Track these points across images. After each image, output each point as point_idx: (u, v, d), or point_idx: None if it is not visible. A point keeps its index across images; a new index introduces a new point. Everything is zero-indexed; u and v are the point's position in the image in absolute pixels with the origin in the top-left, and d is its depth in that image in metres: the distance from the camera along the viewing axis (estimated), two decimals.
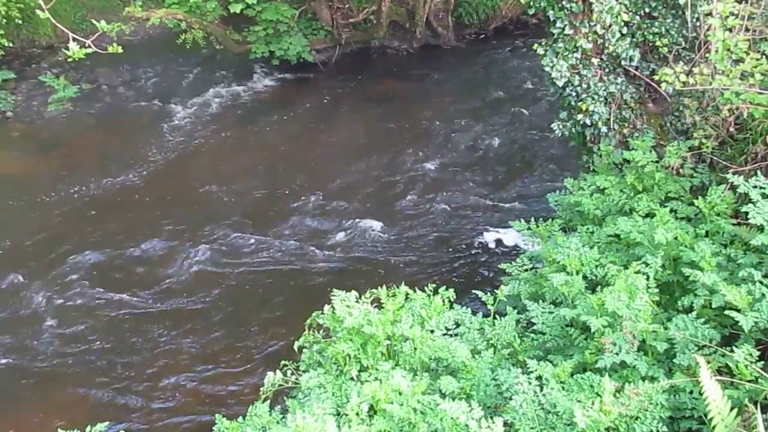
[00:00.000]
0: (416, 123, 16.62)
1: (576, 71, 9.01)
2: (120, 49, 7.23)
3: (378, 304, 6.13)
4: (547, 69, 9.04)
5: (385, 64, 19.94)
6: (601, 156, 9.00)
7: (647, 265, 6.24)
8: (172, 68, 19.46)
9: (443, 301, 6.26)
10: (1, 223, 13.25)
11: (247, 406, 5.98)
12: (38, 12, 7.19)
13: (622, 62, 9.00)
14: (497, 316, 6.61)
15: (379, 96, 18.13)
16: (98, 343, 10.50)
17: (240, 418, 5.84)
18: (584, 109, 9.07)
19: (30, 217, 13.48)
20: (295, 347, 6.49)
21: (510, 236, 12.20)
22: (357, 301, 6.05)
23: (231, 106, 17.75)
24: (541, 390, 5.18)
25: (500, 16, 21.14)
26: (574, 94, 9.11)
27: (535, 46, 9.22)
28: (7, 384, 9.82)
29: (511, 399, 5.25)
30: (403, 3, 19.72)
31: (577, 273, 6.66)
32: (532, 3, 9.04)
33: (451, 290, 6.37)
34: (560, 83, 9.00)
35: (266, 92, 18.52)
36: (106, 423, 5.76)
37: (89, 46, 6.86)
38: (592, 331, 5.74)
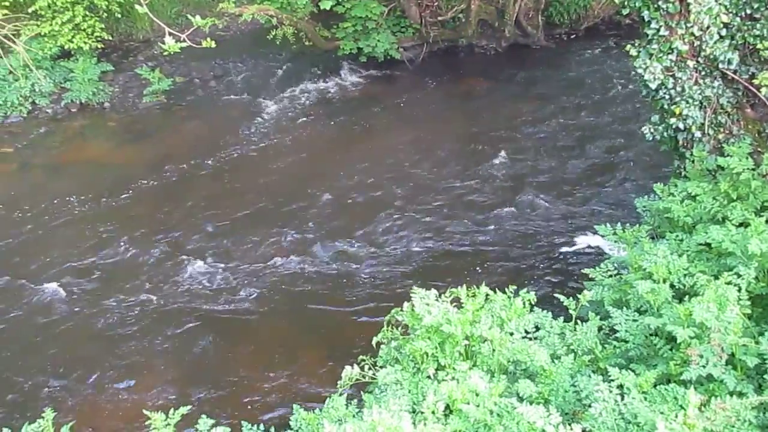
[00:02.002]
0: (502, 123, 16.45)
1: (670, 73, 8.75)
2: (213, 44, 7.42)
3: (457, 303, 6.10)
4: (640, 71, 8.81)
5: (473, 63, 19.80)
6: (693, 161, 8.73)
7: (739, 276, 6.03)
8: (262, 63, 19.84)
9: (524, 303, 6.19)
10: (96, 207, 13.79)
11: (324, 399, 6.06)
12: (137, 7, 7.47)
13: (720, 65, 8.69)
14: (579, 322, 6.49)
15: (465, 95, 18.03)
16: (180, 328, 10.81)
17: (317, 410, 5.91)
18: (677, 112, 8.80)
19: (122, 202, 14.00)
20: (374, 343, 6.53)
21: (594, 241, 11.95)
22: (436, 300, 6.04)
23: (318, 101, 17.98)
24: (622, 399, 5.07)
25: (592, 15, 20.67)
26: (667, 97, 8.85)
27: (628, 47, 9.00)
28: (101, 366, 10.22)
29: (590, 406, 5.15)
30: (493, 2, 19.53)
31: (664, 281, 6.47)
32: (626, 3, 8.83)
33: (532, 293, 6.29)
34: (653, 86, 8.76)
35: (353, 89, 18.67)
36: (188, 407, 5.92)
37: (184, 41, 7.08)
38: (678, 341, 5.57)
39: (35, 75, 16.80)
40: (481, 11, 19.49)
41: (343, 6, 17.76)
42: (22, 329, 10.86)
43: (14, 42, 14.57)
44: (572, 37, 20.73)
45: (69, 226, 13.21)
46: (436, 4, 19.58)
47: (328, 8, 17.27)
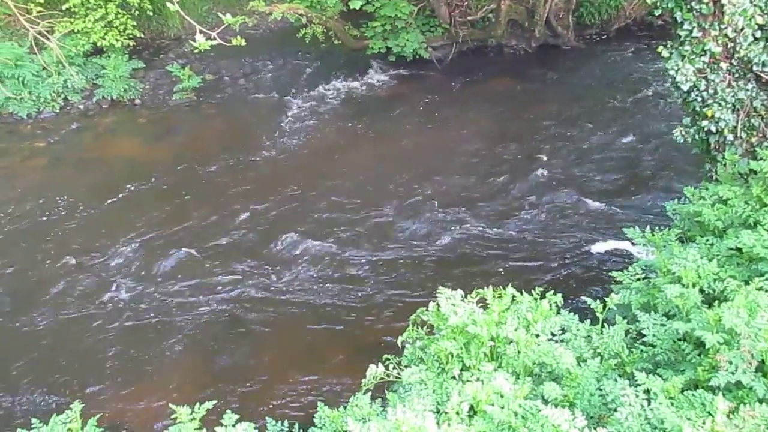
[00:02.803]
0: (530, 124, 16.38)
1: (702, 75, 8.65)
2: (243, 42, 7.47)
3: (483, 304, 6.08)
4: (672, 72, 8.71)
5: (502, 63, 19.72)
6: (725, 165, 8.62)
7: None
8: (291, 62, 19.92)
9: (550, 305, 6.15)
10: (125, 202, 13.94)
11: (347, 397, 6.07)
12: (168, 5, 7.53)
13: (754, 67, 8.55)
14: (605, 325, 6.43)
15: (494, 95, 17.96)
16: (206, 326, 10.89)
17: (341, 408, 5.93)
18: (710, 115, 8.69)
19: (150, 198, 14.14)
20: (398, 342, 6.53)
21: (621, 244, 11.85)
22: (462, 300, 6.02)
23: (346, 100, 18.02)
24: (649, 404, 5.02)
25: (623, 16, 20.49)
26: (699, 99, 8.75)
27: (660, 48, 8.91)
28: (129, 360, 10.33)
29: (616, 411, 5.11)
30: (523, 2, 19.43)
31: (694, 286, 6.39)
32: (658, 3, 8.74)
33: (559, 295, 6.25)
34: (685, 87, 8.66)
35: (381, 88, 18.68)
36: (214, 402, 5.96)
37: (214, 39, 7.13)
38: (707, 347, 5.50)
39: (68, 71, 17.00)
40: (511, 11, 19.40)
41: (373, 5, 17.79)
42: (52, 322, 11.00)
43: (48, 38, 14.74)
44: (603, 37, 20.57)
45: (98, 221, 13.36)
46: (465, 3, 19.53)
47: (357, 8, 17.30)
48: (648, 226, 8.20)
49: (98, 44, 17.97)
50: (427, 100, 17.88)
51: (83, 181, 14.70)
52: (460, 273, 11.62)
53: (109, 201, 14.00)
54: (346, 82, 18.73)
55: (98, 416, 6.58)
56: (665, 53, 8.80)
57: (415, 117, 17.18)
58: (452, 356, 5.80)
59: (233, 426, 5.46)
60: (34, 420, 6.28)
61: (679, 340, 6.13)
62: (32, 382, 9.95)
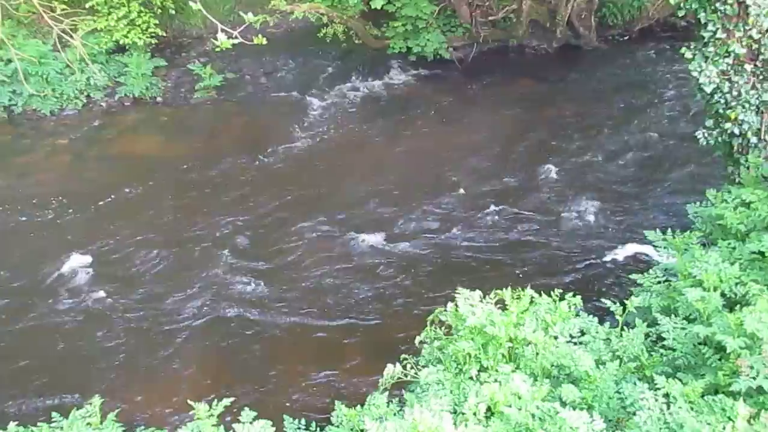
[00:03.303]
0: (550, 125, 16.30)
1: (726, 77, 8.57)
2: (264, 41, 7.49)
3: (502, 305, 6.07)
4: (695, 74, 8.65)
5: (523, 63, 19.63)
6: (748, 168, 8.54)
7: None
8: (312, 61, 19.95)
9: (569, 307, 6.12)
10: (146, 199, 14.04)
11: (364, 397, 6.07)
12: (191, 4, 7.56)
13: None
14: (625, 328, 6.39)
15: (514, 96, 17.88)
16: (225, 324, 10.94)
17: (358, 407, 5.93)
18: (733, 117, 8.61)
19: (171, 195, 14.24)
20: (416, 342, 6.53)
21: (642, 247, 11.76)
22: (481, 301, 6.01)
23: (366, 100, 18.02)
24: (668, 408, 4.98)
25: (646, 17, 20.28)
26: (722, 101, 8.67)
27: (683, 49, 8.84)
28: (147, 357, 10.41)
29: (634, 414, 5.08)
30: (545, 2, 19.33)
31: (715, 289, 6.34)
32: (682, 4, 8.67)
33: (578, 297, 6.22)
34: (708, 89, 8.59)
35: (401, 88, 18.66)
36: (232, 399, 5.99)
37: (236, 37, 7.16)
38: (728, 351, 5.45)
39: (91, 69, 17.14)
40: (533, 11, 19.29)
41: (394, 5, 17.77)
42: (71, 318, 11.10)
43: (72, 36, 14.91)
44: (625, 38, 20.39)
45: (118, 218, 13.46)
46: (487, 3, 19.45)
47: (378, 7, 17.28)
48: (669, 229, 8.14)
49: (121, 42, 18.09)
50: (447, 101, 17.84)
51: (105, 178, 14.80)
52: (478, 273, 11.59)
53: (130, 198, 14.10)
54: (367, 82, 18.72)
55: (117, 411, 6.63)
56: (688, 55, 8.73)
57: (435, 117, 17.15)
58: (470, 357, 5.79)
59: (251, 423, 5.48)
60: (54, 414, 6.34)
61: (700, 344, 6.09)
62: (52, 378, 10.05)
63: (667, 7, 18.93)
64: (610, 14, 20.10)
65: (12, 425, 6.06)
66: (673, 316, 6.43)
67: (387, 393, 6.02)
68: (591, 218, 12.88)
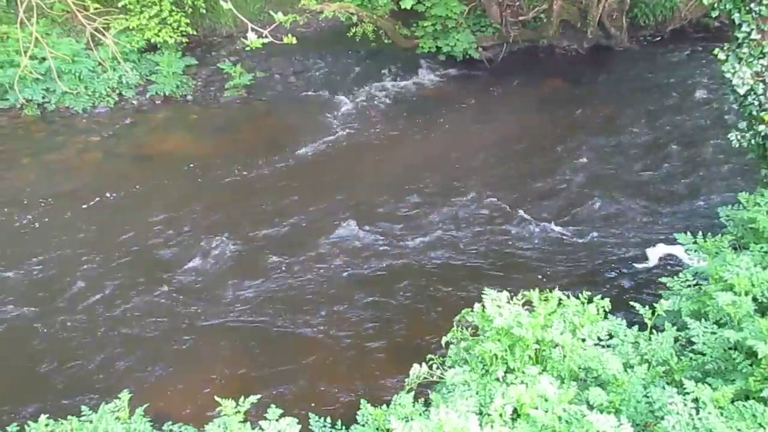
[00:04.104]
0: (580, 126, 16.20)
1: (760, 79, 8.45)
2: (294, 40, 7.51)
3: (529, 306, 6.03)
4: (728, 75, 8.53)
5: (553, 63, 19.52)
6: None
7: None
8: (341, 60, 20.00)
9: (597, 310, 6.07)
10: (175, 196, 14.17)
11: (389, 396, 6.07)
12: (221, 3, 7.61)
13: None
14: (654, 331, 6.33)
15: (544, 96, 17.80)
16: (251, 321, 11.01)
17: (384, 406, 5.93)
18: (766, 119, 8.48)
19: (199, 192, 14.35)
20: (443, 342, 6.51)
21: (671, 249, 11.65)
22: (508, 302, 5.98)
23: (395, 99, 18.02)
24: (697, 413, 4.93)
25: (679, 17, 20.05)
26: (756, 103, 8.55)
27: (716, 50, 8.73)
28: (177, 354, 10.50)
29: (662, 419, 5.03)
30: (576, 2, 19.20)
31: (746, 294, 6.25)
32: (716, 5, 8.56)
33: (606, 300, 6.17)
34: (741, 91, 8.48)
35: (430, 87, 18.65)
36: (258, 396, 6.02)
37: (266, 37, 7.19)
38: (759, 357, 5.37)
39: (123, 67, 17.33)
40: (564, 11, 19.17)
41: (424, 4, 17.76)
42: (99, 313, 11.23)
43: (104, 35, 15.05)
44: (657, 39, 20.21)
45: (148, 214, 13.58)
46: (517, 3, 19.36)
47: (408, 7, 17.28)
48: (700, 232, 8.04)
49: (152, 41, 18.28)
50: (476, 101, 17.79)
51: (135, 175, 14.96)
52: (505, 274, 11.56)
53: (160, 195, 14.24)
54: (396, 82, 18.73)
55: (145, 406, 6.69)
56: (722, 56, 8.62)
57: (463, 117, 17.11)
58: (496, 358, 5.77)
59: (277, 420, 5.50)
60: (83, 408, 6.42)
61: (730, 348, 6.01)
62: (81, 371, 10.17)
63: (700, 8, 18.71)
64: (641, 15, 19.91)
65: (42, 418, 6.15)
66: (703, 320, 6.35)
67: (413, 393, 6.01)
68: (620, 220, 12.78)
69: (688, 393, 5.13)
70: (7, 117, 17.15)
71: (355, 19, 18.05)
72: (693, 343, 6.17)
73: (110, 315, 11.17)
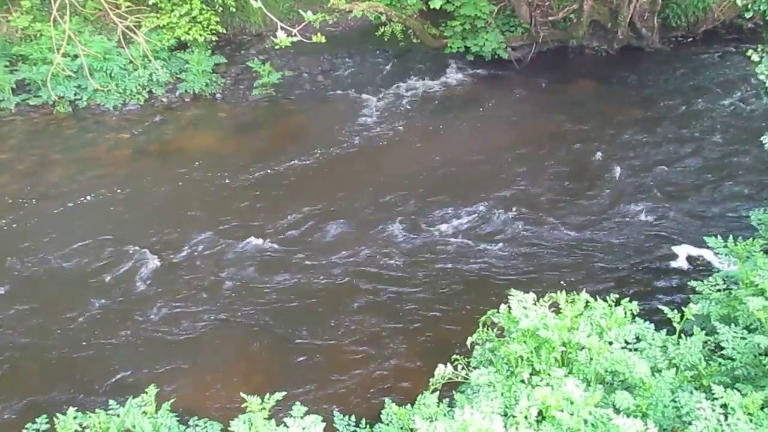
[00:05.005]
0: (610, 127, 16.05)
1: None
2: (323, 39, 7.55)
3: (555, 308, 6.00)
4: (762, 77, 8.43)
5: (582, 64, 19.38)
6: None
7: None
8: (369, 60, 20.03)
9: (625, 313, 6.02)
10: (203, 193, 14.28)
11: (413, 396, 6.06)
12: (251, 2, 7.67)
13: None
14: (682, 336, 6.26)
15: (572, 97, 17.67)
16: (276, 319, 11.05)
17: (408, 406, 5.93)
18: None
19: (226, 189, 14.45)
20: (468, 343, 6.50)
21: (701, 253, 11.51)
22: (534, 304, 5.95)
23: (423, 99, 18.00)
24: (726, 419, 4.86)
25: (711, 18, 19.80)
26: None
27: (749, 52, 8.63)
28: (200, 350, 10.58)
29: (690, 424, 4.97)
30: (606, 2, 19.03)
31: None
32: (749, 6, 8.45)
33: (634, 303, 6.11)
34: None
35: (458, 87, 18.60)
36: (284, 393, 6.05)
37: (295, 35, 7.24)
38: None
39: (153, 65, 17.50)
40: (594, 12, 19.01)
41: (453, 4, 17.72)
42: (129, 309, 11.35)
43: (135, 33, 15.20)
44: (689, 40, 19.97)
45: (177, 211, 13.71)
46: (547, 3, 19.25)
47: (437, 7, 17.26)
48: (730, 236, 7.94)
49: (182, 39, 18.45)
50: (504, 101, 17.72)
51: (164, 173, 15.10)
52: (532, 275, 11.50)
53: (188, 192, 14.35)
54: (424, 81, 18.71)
55: (171, 401, 6.76)
56: (755, 57, 8.52)
57: (491, 117, 17.05)
58: (522, 360, 5.74)
59: (301, 418, 5.53)
60: (111, 402, 6.50)
61: (761, 354, 5.93)
62: (108, 365, 10.29)
63: (733, 9, 18.47)
64: (673, 15, 19.67)
65: (71, 411, 6.23)
66: (732, 325, 6.27)
67: (437, 393, 6.00)
68: (649, 222, 12.66)
69: (716, 398, 5.07)
70: (40, 113, 17.40)
71: (383, 18, 18.06)
72: (722, 348, 6.09)
73: (140, 311, 11.27)
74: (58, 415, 6.23)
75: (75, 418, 6.21)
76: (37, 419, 6.45)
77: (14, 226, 13.39)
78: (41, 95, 17.41)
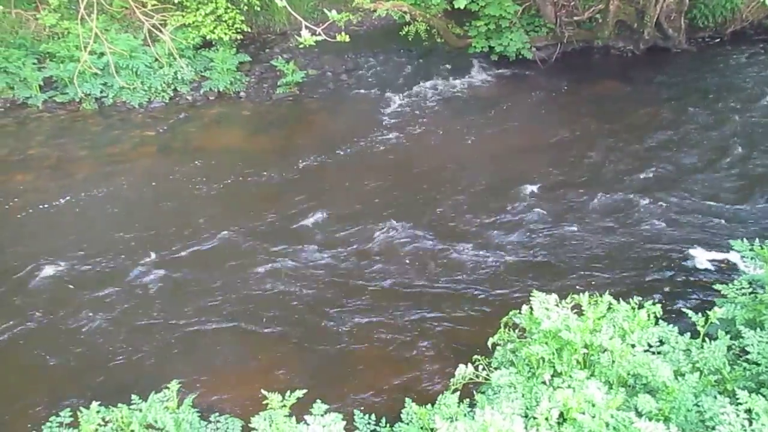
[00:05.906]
0: (635, 128, 15.93)
1: None
2: (347, 38, 7.57)
3: (578, 310, 5.96)
4: None
5: (607, 65, 19.25)
6: None
7: None
8: (393, 59, 20.03)
9: (648, 315, 5.97)
10: (226, 191, 14.36)
11: (433, 396, 6.05)
12: (276, 0, 7.70)
13: None
14: (707, 339, 6.19)
15: (597, 98, 17.56)
16: (296, 317, 11.08)
17: (428, 406, 5.92)
18: None
19: (249, 186, 14.51)
20: (489, 343, 6.47)
21: (726, 256, 11.38)
22: (556, 305, 5.92)
23: (446, 99, 17.98)
24: (750, 425, 4.80)
25: (739, 19, 19.60)
26: None
27: None
28: (222, 346, 10.64)
29: (714, 429, 4.92)
30: (633, 2, 18.89)
31: None
32: None
33: (658, 305, 6.05)
34: None
35: (482, 87, 18.56)
36: (305, 390, 6.05)
37: (319, 34, 7.26)
38: None
39: (178, 63, 17.64)
40: (620, 12, 18.88)
41: (477, 4, 17.69)
42: (149, 305, 11.43)
43: (161, 31, 15.35)
44: (716, 41, 19.79)
45: (201, 208, 13.78)
46: (572, 3, 19.15)
47: (462, 7, 17.24)
48: (757, 239, 7.84)
49: (207, 37, 18.57)
50: (528, 101, 17.65)
51: (188, 170, 15.20)
52: (554, 276, 11.43)
53: (212, 189, 14.43)
54: (448, 81, 18.69)
55: (193, 397, 6.80)
56: None
57: (515, 117, 16.98)
58: (543, 361, 5.71)
59: (322, 416, 5.53)
60: (133, 396, 6.55)
61: None
62: (131, 360, 10.37)
63: (761, 9, 18.30)
64: (700, 16, 19.49)
65: (94, 405, 6.28)
66: (758, 329, 6.19)
67: (458, 393, 5.99)
68: (674, 224, 12.53)
69: (741, 403, 5.00)
70: (66, 110, 17.61)
71: (408, 18, 18.08)
72: (747, 353, 6.01)
73: (161, 307, 11.34)
74: (82, 409, 6.28)
75: (98, 412, 6.25)
76: (60, 413, 6.51)
77: (40, 221, 13.54)
78: (68, 92, 17.61)
